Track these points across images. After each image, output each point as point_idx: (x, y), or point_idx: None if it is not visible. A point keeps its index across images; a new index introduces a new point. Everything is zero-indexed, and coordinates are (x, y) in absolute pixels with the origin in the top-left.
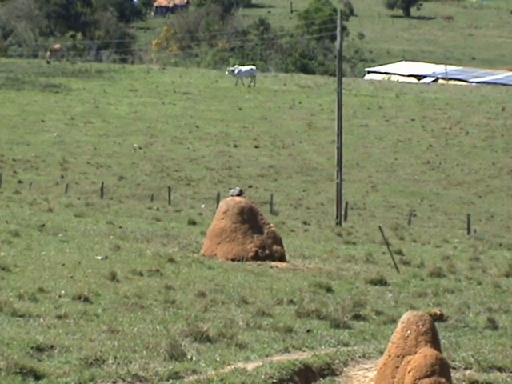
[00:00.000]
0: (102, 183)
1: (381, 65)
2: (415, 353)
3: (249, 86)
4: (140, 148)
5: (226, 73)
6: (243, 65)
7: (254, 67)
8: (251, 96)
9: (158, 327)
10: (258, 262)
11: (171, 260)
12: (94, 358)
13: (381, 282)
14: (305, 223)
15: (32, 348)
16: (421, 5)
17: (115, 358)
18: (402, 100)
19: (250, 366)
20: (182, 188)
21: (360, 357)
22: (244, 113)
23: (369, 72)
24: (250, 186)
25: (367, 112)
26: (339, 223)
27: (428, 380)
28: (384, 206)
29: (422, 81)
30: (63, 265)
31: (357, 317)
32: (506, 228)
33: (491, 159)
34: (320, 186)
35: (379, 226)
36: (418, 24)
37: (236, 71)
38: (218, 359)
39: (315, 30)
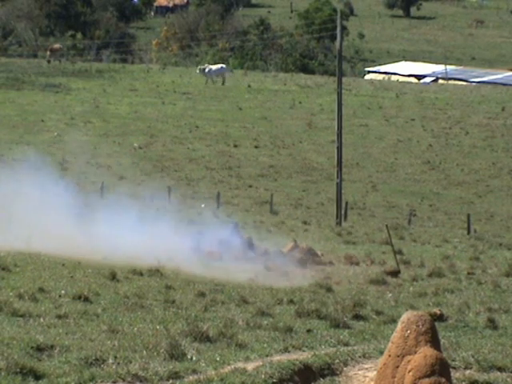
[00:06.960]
0: (102, 183)
1: (381, 65)
2: (415, 352)
3: (222, 84)
4: (140, 148)
5: (197, 71)
6: (243, 64)
7: (224, 66)
8: (251, 96)
9: (158, 327)
10: None
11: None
12: (94, 357)
13: (381, 282)
14: (305, 223)
15: (32, 348)
16: (421, 5)
17: (115, 357)
18: (401, 100)
19: (250, 366)
20: (182, 188)
21: (360, 357)
22: (244, 113)
23: (369, 72)
24: (250, 186)
25: (367, 112)
26: (339, 223)
27: (428, 380)
28: (384, 205)
29: (421, 81)
30: (63, 265)
31: (357, 317)
32: (506, 228)
33: (491, 159)
34: (320, 185)
35: (386, 226)
36: (418, 24)
37: (206, 70)
38: (217, 359)
39: (315, 30)
